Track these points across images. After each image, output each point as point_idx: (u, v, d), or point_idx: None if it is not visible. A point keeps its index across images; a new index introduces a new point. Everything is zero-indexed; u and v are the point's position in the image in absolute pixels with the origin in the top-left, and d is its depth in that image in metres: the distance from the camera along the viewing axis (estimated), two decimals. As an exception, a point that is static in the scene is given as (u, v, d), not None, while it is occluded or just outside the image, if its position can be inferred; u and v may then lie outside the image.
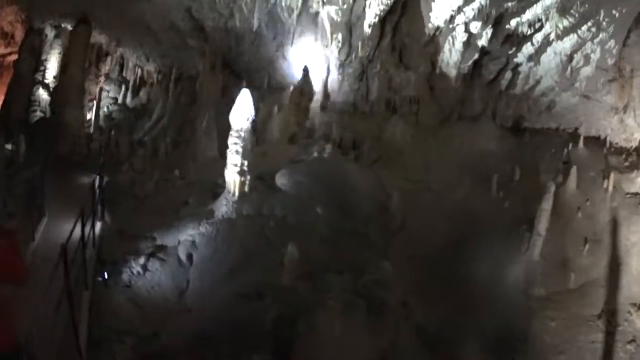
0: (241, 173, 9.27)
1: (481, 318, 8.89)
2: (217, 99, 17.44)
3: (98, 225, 9.83)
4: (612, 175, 11.85)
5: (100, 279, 7.91)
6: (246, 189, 9.37)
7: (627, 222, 11.31)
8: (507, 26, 11.13)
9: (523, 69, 12.13)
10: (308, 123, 11.53)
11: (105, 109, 19.04)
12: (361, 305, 6.49)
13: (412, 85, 13.08)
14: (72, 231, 5.39)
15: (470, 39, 11.74)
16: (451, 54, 12.35)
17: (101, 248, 8.97)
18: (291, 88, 14.79)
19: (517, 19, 10.76)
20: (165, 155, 15.65)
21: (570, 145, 13.01)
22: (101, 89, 19.45)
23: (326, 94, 14.32)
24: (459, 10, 10.64)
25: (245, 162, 9.27)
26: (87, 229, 9.24)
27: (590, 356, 8.86)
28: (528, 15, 10.54)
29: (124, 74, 20.34)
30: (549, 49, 11.24)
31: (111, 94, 19.62)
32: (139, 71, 20.12)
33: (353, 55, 13.43)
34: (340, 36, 12.94)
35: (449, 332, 8.43)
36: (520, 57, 11.81)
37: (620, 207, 11.59)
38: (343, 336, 6.00)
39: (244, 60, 16.53)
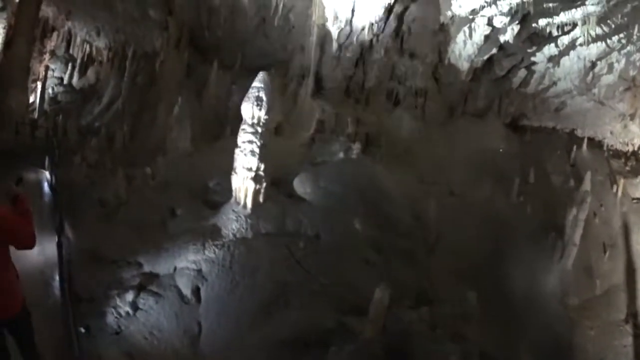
0: (256, 179, 7.09)
1: (530, 334, 8.09)
2: (181, 80, 14.71)
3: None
4: (622, 181, 11.31)
5: (82, 329, 5.53)
6: (261, 198, 7.26)
7: (637, 227, 10.88)
8: (534, 25, 9.86)
9: (539, 68, 10.99)
10: (322, 113, 9.39)
11: (50, 91, 15.39)
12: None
13: (418, 75, 11.48)
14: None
15: (491, 33, 10.34)
16: (465, 46, 10.85)
17: (72, 280, 6.48)
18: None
19: (549, 19, 9.49)
20: (123, 146, 12.78)
21: (575, 147, 12.38)
22: (47, 68, 15.75)
23: (317, 78, 12.36)
24: (493, 2, 9.11)
25: (262, 166, 7.12)
26: (50, 249, 6.85)
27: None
28: (563, 17, 9.30)
29: (70, 51, 16.67)
30: (572, 53, 10.20)
31: (56, 74, 15.96)
32: (87, 48, 16.56)
33: (354, 38, 11.52)
34: (343, 16, 10.95)
35: (505, 354, 7.30)
36: (540, 57, 10.62)
37: (629, 212, 11.13)
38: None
39: (216, 36, 13.90)
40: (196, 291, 6.43)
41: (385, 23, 11.24)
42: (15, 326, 2.60)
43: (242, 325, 5.89)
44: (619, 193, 11.18)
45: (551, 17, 9.52)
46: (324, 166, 7.91)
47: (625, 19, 9.15)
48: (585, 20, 9.20)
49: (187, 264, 6.72)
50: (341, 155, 8.09)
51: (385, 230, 7.26)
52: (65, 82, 16.06)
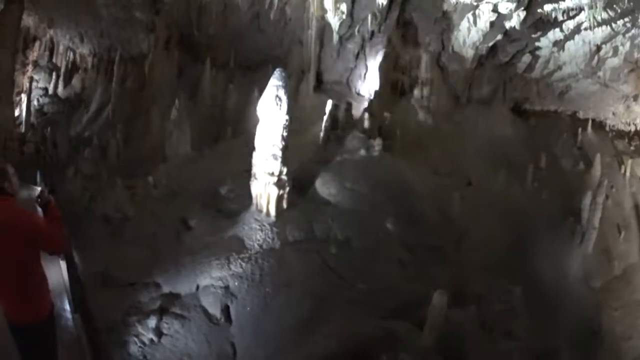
0: (280, 184, 6.46)
1: (564, 321, 7.77)
2: (173, 82, 13.83)
3: (64, 267, 6.49)
4: (629, 162, 11.06)
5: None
6: (284, 204, 6.63)
7: (647, 207, 10.66)
8: (540, 10, 9.44)
9: (543, 53, 10.62)
10: (334, 109, 8.61)
11: (36, 102, 14.23)
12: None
13: (423, 65, 10.94)
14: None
15: (497, 20, 9.87)
16: (470, 33, 10.37)
17: (86, 308, 5.74)
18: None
19: (555, 4, 9.10)
20: (117, 155, 11.89)
21: (580, 130, 12.08)
22: (31, 79, 14.58)
23: (317, 72, 11.72)
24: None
25: (285, 170, 6.49)
26: (54, 275, 6.06)
27: (649, 337, 8.47)
28: (569, 3, 8.93)
29: (54, 60, 15.50)
30: (577, 37, 9.87)
31: (41, 84, 14.78)
32: (71, 55, 15.42)
33: (356, 29, 10.90)
34: (344, 6, 10.31)
35: (546, 343, 6.94)
36: (544, 42, 10.24)
37: (638, 192, 10.89)
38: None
39: (207, 34, 13.07)
40: (225, 310, 5.81)
41: (388, 12, 10.65)
42: (34, 335, 2.41)
43: (283, 343, 5.30)
44: (627, 173, 10.92)
45: (557, 2, 9.11)
46: (347, 165, 7.30)
47: (632, 3, 8.84)
48: (591, 5, 8.83)
49: (211, 281, 6.07)
50: (362, 152, 7.49)
51: (414, 228, 6.75)
52: (50, 92, 14.93)
